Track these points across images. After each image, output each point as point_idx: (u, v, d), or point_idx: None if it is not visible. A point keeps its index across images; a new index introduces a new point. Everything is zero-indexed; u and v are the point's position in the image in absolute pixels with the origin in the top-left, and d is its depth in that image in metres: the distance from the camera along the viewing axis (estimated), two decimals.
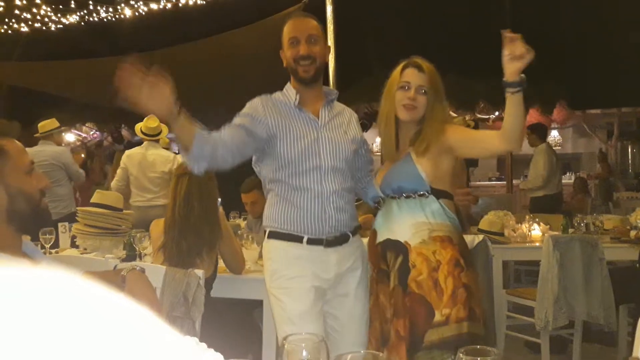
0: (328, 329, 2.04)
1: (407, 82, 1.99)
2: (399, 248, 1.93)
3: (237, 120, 2.01)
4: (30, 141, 5.43)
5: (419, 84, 1.98)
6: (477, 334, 1.84)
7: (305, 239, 2.01)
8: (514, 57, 1.70)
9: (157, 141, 5.11)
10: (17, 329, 0.28)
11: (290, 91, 2.10)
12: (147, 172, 4.87)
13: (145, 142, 5.02)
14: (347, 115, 2.20)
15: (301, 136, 2.02)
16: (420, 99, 1.98)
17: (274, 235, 2.05)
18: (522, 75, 1.73)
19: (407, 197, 1.95)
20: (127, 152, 5.10)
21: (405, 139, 2.06)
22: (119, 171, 4.99)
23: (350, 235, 2.09)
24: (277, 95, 2.12)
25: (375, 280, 2.04)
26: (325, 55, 2.11)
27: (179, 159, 5.03)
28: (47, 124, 5.15)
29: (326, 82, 5.28)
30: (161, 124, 5.02)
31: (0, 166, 1.31)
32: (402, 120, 2.03)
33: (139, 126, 5.07)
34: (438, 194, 1.96)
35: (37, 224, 1.40)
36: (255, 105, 2.05)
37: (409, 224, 1.93)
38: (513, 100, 1.77)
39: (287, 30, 2.07)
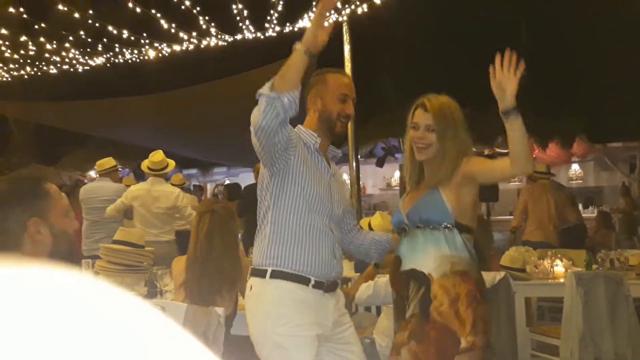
0: None
1: (416, 123, 2.10)
2: (422, 279, 1.99)
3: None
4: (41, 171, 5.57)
5: (426, 123, 2.07)
6: None
7: (312, 282, 1.97)
8: (503, 86, 1.87)
9: (164, 176, 5.18)
10: (32, 335, 0.28)
11: (309, 133, 2.09)
12: (151, 208, 4.89)
13: (150, 178, 5.05)
14: (341, 175, 2.30)
15: (321, 177, 2.06)
16: (429, 137, 2.07)
17: (279, 275, 1.96)
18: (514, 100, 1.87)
19: (433, 228, 2.02)
20: (132, 187, 5.16)
21: (429, 172, 2.14)
22: (118, 202, 5.00)
23: (339, 284, 2.15)
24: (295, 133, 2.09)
25: (396, 307, 2.12)
26: None
27: (183, 195, 5.11)
28: (105, 162, 5.36)
29: None
30: (167, 159, 5.13)
31: (46, 208, 1.37)
32: (417, 159, 2.14)
33: (145, 163, 5.17)
34: (461, 228, 2.02)
35: (70, 265, 1.43)
36: (290, 130, 1.99)
37: (433, 256, 1.99)
38: (513, 126, 1.89)
39: (339, 84, 2.10)
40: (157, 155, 5.09)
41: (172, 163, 5.23)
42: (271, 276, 1.96)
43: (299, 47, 1.82)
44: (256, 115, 1.81)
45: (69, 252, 1.43)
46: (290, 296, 1.95)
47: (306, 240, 1.98)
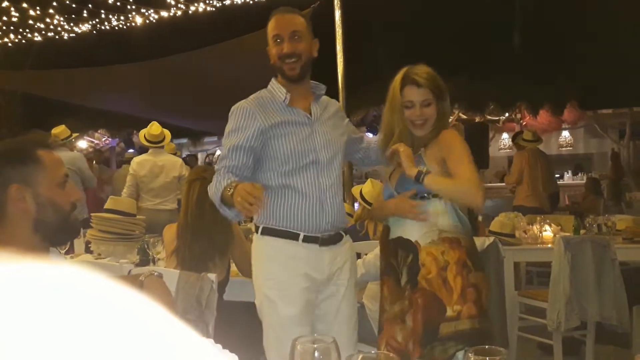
0: (317, 333, 2.02)
1: (410, 101, 2.02)
2: (410, 247, 1.99)
3: (230, 141, 1.99)
4: None
5: (422, 99, 2.01)
6: (488, 330, 1.94)
7: (301, 237, 1.99)
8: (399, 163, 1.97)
9: (162, 147, 5.25)
10: (35, 327, 0.28)
11: (278, 89, 2.06)
12: (158, 177, 4.99)
13: (150, 149, 5.15)
14: (332, 108, 2.21)
15: (294, 132, 2.02)
16: (427, 111, 2.02)
17: (268, 232, 2.01)
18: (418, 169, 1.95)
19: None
20: (135, 159, 5.26)
21: (418, 142, 2.08)
22: (128, 177, 5.13)
23: (343, 235, 2.12)
24: (264, 93, 2.07)
25: (383, 272, 2.11)
26: (311, 51, 2.07)
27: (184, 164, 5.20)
28: (61, 132, 5.34)
29: (335, 86, 5.30)
30: (164, 130, 5.18)
31: (33, 175, 1.34)
32: (417, 135, 2.07)
33: (142, 134, 5.20)
34: None
35: (64, 237, 1.41)
36: (242, 113, 2.01)
37: (419, 224, 1.97)
38: (429, 186, 1.95)
39: (270, 27, 2.04)
40: (155, 128, 5.15)
41: (168, 135, 5.30)
42: (262, 233, 2.03)
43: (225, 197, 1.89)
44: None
45: (61, 223, 1.39)
46: (278, 252, 2.01)
47: (290, 196, 2.00)
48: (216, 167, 2.02)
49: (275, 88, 2.07)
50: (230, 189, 1.84)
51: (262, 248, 2.04)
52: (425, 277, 1.94)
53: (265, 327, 2.04)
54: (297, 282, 1.98)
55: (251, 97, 2.07)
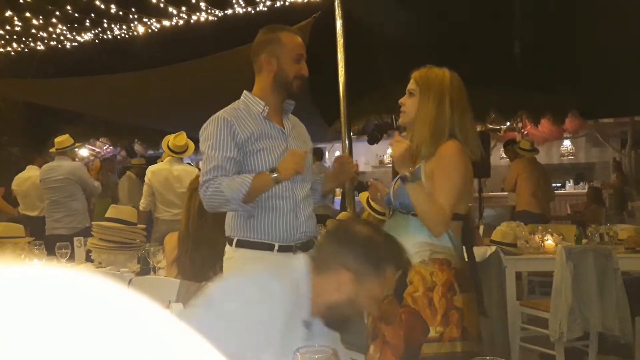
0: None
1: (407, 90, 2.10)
2: None
3: (221, 152, 2.03)
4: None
5: (409, 89, 2.07)
6: (471, 352, 1.89)
7: (276, 247, 2.05)
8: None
9: (182, 158, 5.14)
10: (36, 329, 0.28)
11: (254, 101, 2.11)
12: (173, 187, 4.84)
13: (168, 158, 4.98)
14: (298, 126, 2.27)
15: (273, 147, 2.08)
16: (408, 102, 2.05)
17: (243, 244, 2.07)
18: (409, 170, 1.92)
19: (414, 215, 1.97)
20: (151, 167, 5.06)
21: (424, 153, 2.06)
22: (145, 187, 4.99)
23: (315, 241, 2.16)
24: (239, 104, 2.13)
25: None
26: None
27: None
28: (64, 141, 5.31)
29: (337, 95, 5.32)
30: (189, 141, 5.04)
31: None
32: (400, 124, 2.16)
33: (166, 142, 5.06)
34: None
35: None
36: (224, 124, 2.05)
37: (412, 242, 1.94)
38: (409, 191, 1.93)
39: (294, 44, 2.11)
40: (180, 139, 4.98)
41: (192, 147, 5.09)
42: (236, 245, 2.08)
43: (273, 178, 1.97)
44: (208, 202, 2.05)
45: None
46: (254, 263, 2.04)
47: (264, 210, 2.05)
48: (206, 176, 2.03)
49: (252, 100, 2.12)
50: (271, 174, 1.97)
51: (236, 260, 2.07)
52: (411, 295, 1.94)
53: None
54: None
55: (227, 108, 2.11)
